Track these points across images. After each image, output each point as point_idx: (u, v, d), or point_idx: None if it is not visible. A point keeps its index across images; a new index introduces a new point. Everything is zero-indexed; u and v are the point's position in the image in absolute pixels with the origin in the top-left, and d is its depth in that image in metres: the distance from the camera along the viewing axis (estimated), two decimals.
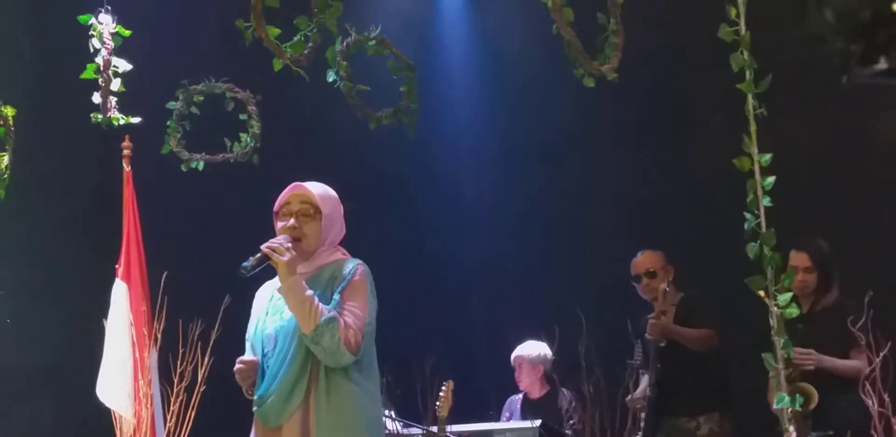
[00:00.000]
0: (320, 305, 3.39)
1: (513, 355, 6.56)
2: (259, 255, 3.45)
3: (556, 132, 7.30)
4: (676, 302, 5.65)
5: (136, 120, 4.84)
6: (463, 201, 7.70)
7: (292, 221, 3.53)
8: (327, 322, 3.36)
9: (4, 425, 5.74)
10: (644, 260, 5.80)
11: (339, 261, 3.57)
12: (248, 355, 3.58)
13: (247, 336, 3.67)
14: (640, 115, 6.94)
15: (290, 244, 3.46)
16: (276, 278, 3.53)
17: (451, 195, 7.63)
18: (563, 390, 6.21)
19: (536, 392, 6.51)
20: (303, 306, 3.38)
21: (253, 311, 3.68)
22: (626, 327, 5.55)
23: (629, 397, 5.51)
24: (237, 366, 3.52)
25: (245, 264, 3.44)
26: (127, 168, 4.90)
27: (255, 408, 3.54)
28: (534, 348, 6.50)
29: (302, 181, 3.60)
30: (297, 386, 3.43)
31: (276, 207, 3.60)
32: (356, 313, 3.44)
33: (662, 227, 6.72)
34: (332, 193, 3.64)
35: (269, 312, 3.58)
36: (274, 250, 3.42)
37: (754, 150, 3.33)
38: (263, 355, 3.55)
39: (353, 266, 3.52)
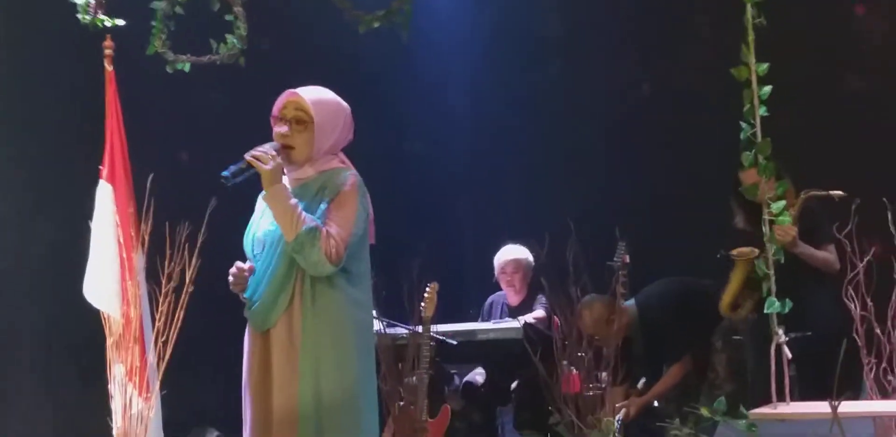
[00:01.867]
0: (303, 214, 3.36)
1: (505, 259, 6.42)
2: (242, 163, 3.40)
3: (544, 35, 7.23)
4: (635, 321, 5.59)
5: (120, 22, 4.76)
6: (448, 105, 7.66)
7: (286, 128, 3.48)
8: (308, 231, 3.33)
9: None
10: (587, 323, 5.36)
11: (334, 170, 3.50)
12: (244, 262, 3.56)
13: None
14: (631, 20, 6.87)
15: (275, 152, 3.41)
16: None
17: (437, 99, 7.58)
18: (540, 295, 6.24)
19: (518, 298, 6.46)
20: (285, 214, 3.36)
21: (254, 212, 3.65)
22: (613, 232, 5.57)
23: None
24: (231, 272, 3.51)
25: (225, 172, 3.39)
26: (109, 68, 4.83)
27: (245, 311, 3.56)
28: (524, 253, 6.39)
29: (298, 87, 3.51)
30: (281, 293, 3.42)
31: (273, 111, 3.54)
32: (341, 223, 3.39)
33: (650, 133, 6.72)
34: (331, 99, 3.54)
35: (263, 215, 3.55)
36: (258, 158, 3.38)
37: (752, 59, 3.30)
38: (254, 257, 3.55)
39: (344, 176, 3.46)
